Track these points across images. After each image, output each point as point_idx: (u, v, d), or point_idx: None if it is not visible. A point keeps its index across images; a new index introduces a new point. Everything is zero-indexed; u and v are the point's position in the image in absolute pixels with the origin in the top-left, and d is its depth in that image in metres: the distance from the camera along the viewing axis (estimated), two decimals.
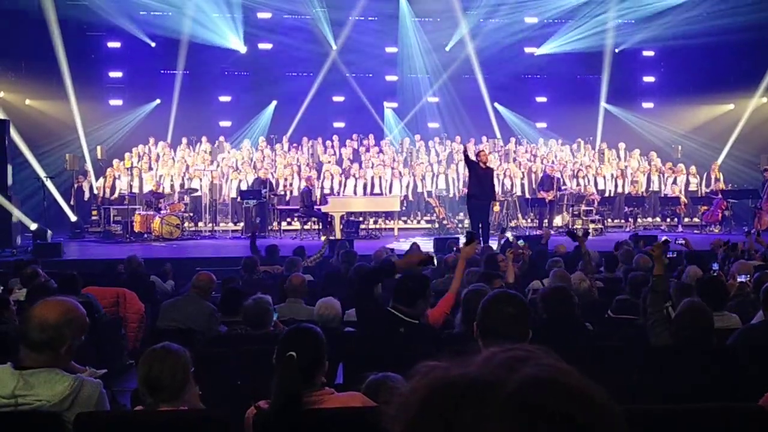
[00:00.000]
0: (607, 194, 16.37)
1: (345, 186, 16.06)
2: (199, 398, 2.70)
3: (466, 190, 13.46)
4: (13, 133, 13.70)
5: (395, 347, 3.54)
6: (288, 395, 2.46)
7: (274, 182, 15.73)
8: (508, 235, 10.19)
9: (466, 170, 12.62)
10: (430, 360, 0.77)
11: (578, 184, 16.17)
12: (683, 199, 15.85)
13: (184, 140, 17.18)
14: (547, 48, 19.17)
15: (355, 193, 15.80)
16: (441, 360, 0.76)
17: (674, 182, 16.37)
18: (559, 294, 4.12)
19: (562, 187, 15.52)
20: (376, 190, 15.99)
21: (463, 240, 9.88)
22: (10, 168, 12.67)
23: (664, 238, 6.64)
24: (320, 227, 14.23)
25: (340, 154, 17.38)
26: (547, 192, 15.33)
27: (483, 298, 2.73)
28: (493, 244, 10.26)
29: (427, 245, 10.58)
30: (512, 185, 16.18)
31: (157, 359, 2.57)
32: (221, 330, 4.96)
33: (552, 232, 14.52)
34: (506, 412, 0.66)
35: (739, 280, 5.58)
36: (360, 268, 6.43)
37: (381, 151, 17.45)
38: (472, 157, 11.82)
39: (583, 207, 15.25)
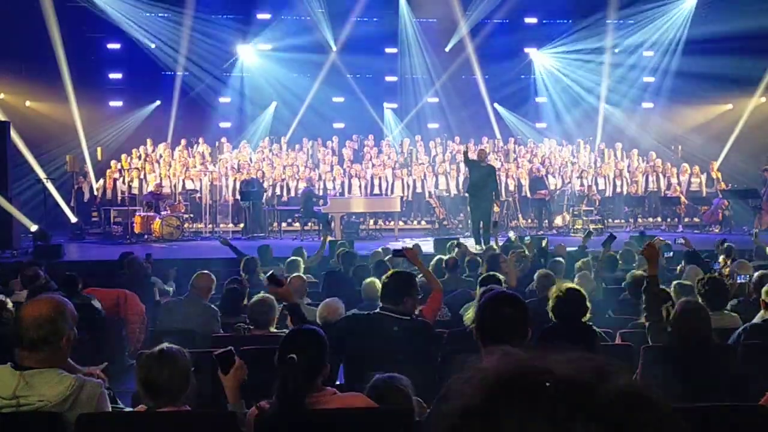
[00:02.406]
0: (607, 194, 16.38)
1: (345, 187, 16.07)
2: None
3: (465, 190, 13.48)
4: (14, 135, 13.70)
5: (393, 346, 3.55)
6: (290, 396, 2.46)
7: (272, 183, 15.73)
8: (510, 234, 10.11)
9: (467, 170, 12.63)
10: (428, 356, 0.77)
11: (581, 185, 16.18)
12: (683, 199, 15.86)
13: (182, 141, 17.18)
14: (547, 48, 19.17)
15: (353, 193, 15.82)
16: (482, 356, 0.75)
17: (677, 182, 16.39)
18: (573, 296, 3.98)
19: (550, 187, 15.47)
20: (376, 190, 16.00)
21: (467, 241, 9.89)
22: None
23: (656, 238, 6.66)
24: (320, 228, 14.24)
25: (340, 155, 17.38)
26: (541, 191, 15.29)
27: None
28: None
29: (427, 246, 10.58)
30: (513, 185, 16.19)
31: (155, 361, 2.57)
32: (222, 331, 4.97)
33: (554, 232, 14.58)
34: (598, 419, 0.66)
35: (738, 280, 5.58)
36: (361, 269, 6.45)
37: (381, 151, 17.46)
38: (472, 157, 11.81)
39: (584, 207, 15.27)
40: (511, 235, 11.33)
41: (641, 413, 0.68)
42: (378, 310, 3.85)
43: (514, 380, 0.69)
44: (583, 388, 0.68)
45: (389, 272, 4.05)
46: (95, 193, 15.77)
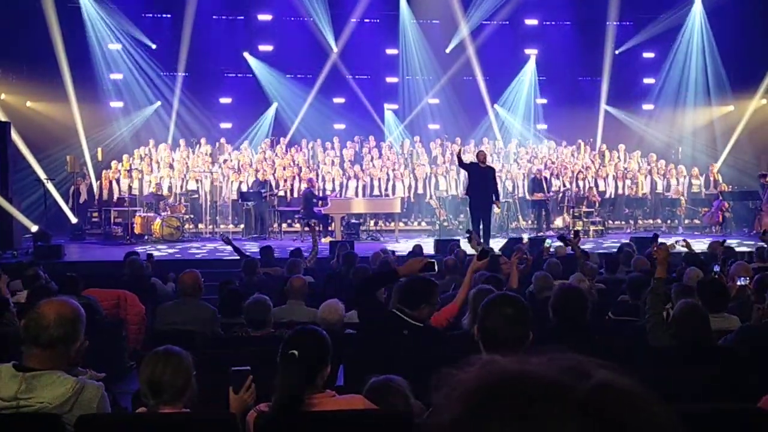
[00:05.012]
0: (607, 196, 16.38)
1: (345, 188, 16.07)
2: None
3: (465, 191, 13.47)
4: (14, 135, 13.71)
5: (398, 349, 3.54)
6: (289, 396, 2.47)
7: (273, 183, 15.74)
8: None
9: (466, 171, 12.62)
10: (434, 362, 0.77)
11: (578, 186, 16.18)
12: (683, 200, 15.86)
13: (182, 142, 17.17)
14: (548, 49, 19.17)
15: (355, 194, 15.82)
16: (474, 360, 0.75)
17: (677, 184, 16.39)
18: (573, 295, 3.90)
19: (551, 189, 15.47)
20: (377, 191, 16.00)
21: (466, 242, 9.88)
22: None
23: (670, 243, 6.64)
24: (320, 229, 14.23)
25: (341, 156, 17.39)
26: (538, 193, 15.29)
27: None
28: (494, 245, 10.24)
29: (427, 247, 10.58)
30: (513, 187, 16.20)
31: (160, 361, 2.58)
32: (220, 332, 4.96)
33: (552, 233, 14.55)
34: (579, 415, 0.66)
35: (738, 283, 5.57)
36: (360, 270, 6.44)
37: (381, 152, 17.47)
38: (465, 160, 11.82)
39: (584, 208, 15.27)
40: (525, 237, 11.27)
41: (623, 407, 0.68)
42: (393, 309, 3.80)
43: (493, 389, 0.70)
44: (563, 388, 0.68)
45: (412, 276, 3.97)
46: (95, 193, 15.76)
